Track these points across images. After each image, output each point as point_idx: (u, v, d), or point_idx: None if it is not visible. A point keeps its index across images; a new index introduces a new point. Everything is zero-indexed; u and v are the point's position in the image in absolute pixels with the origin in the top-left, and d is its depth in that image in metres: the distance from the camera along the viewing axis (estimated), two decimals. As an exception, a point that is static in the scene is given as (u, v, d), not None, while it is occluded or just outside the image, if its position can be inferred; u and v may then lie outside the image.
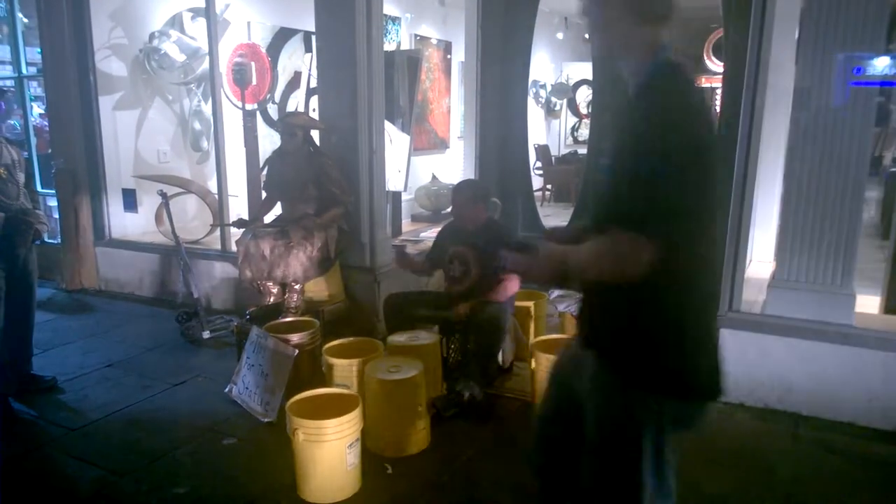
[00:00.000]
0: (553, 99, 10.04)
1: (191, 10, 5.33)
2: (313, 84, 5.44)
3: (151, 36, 5.18)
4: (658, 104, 1.24)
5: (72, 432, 2.96)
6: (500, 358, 3.32)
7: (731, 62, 4.34)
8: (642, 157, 1.19)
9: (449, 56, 7.14)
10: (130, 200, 5.17)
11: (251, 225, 3.82)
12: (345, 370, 2.90)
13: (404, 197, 5.71)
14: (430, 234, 5.34)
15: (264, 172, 3.97)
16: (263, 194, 4.01)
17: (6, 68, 5.76)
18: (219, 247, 4.70)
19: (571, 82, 10.14)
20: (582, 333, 1.47)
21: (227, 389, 3.23)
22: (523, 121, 5.28)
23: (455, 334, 3.32)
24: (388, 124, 4.50)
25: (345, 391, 2.67)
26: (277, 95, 5.72)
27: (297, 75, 5.81)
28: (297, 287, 3.68)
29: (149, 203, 5.08)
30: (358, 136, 3.92)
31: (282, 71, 5.70)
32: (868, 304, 3.28)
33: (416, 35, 6.66)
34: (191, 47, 5.22)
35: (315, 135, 3.96)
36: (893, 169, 6.85)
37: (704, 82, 10.71)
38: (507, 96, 5.22)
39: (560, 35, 9.10)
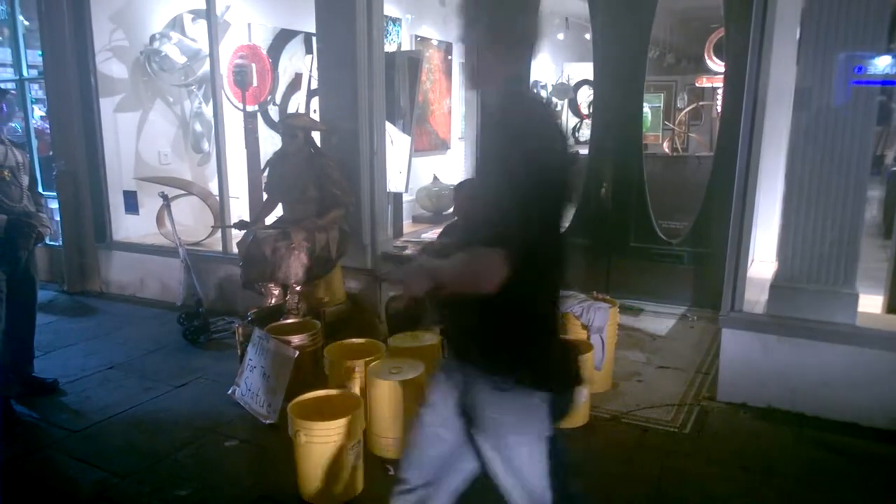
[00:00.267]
0: (554, 99, 10.03)
1: (191, 11, 5.33)
2: (314, 85, 5.44)
3: (152, 38, 5.19)
4: (511, 129, 1.34)
5: (73, 434, 2.96)
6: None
7: (733, 62, 4.36)
8: (495, 177, 1.32)
9: (450, 57, 7.13)
10: (132, 202, 5.17)
11: (252, 227, 3.81)
12: (346, 371, 2.90)
13: (405, 198, 5.71)
14: (432, 234, 5.34)
15: (265, 174, 3.97)
16: (264, 196, 4.01)
17: (7, 71, 5.76)
18: (220, 248, 4.70)
19: (572, 82, 10.14)
20: (454, 347, 1.54)
21: (229, 391, 3.23)
22: (524, 121, 5.26)
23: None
24: (388, 125, 4.49)
25: (346, 393, 2.66)
26: (278, 97, 5.72)
27: (298, 77, 5.81)
28: (298, 288, 3.68)
29: (150, 205, 5.08)
30: (359, 138, 3.91)
31: (282, 72, 5.70)
32: (870, 303, 3.27)
33: (416, 36, 6.65)
34: (191, 49, 5.22)
35: (316, 136, 3.95)
36: (895, 168, 6.84)
37: (706, 82, 10.72)
38: (508, 97, 5.21)
39: (561, 35, 9.10)
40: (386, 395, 2.67)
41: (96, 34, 4.93)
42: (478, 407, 1.46)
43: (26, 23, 5.54)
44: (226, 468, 2.69)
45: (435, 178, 6.52)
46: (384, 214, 4.23)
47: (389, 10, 6.02)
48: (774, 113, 4.11)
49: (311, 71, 5.59)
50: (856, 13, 2.83)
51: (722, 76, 5.39)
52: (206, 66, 4.95)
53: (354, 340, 3.19)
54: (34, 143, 5.61)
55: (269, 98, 5.54)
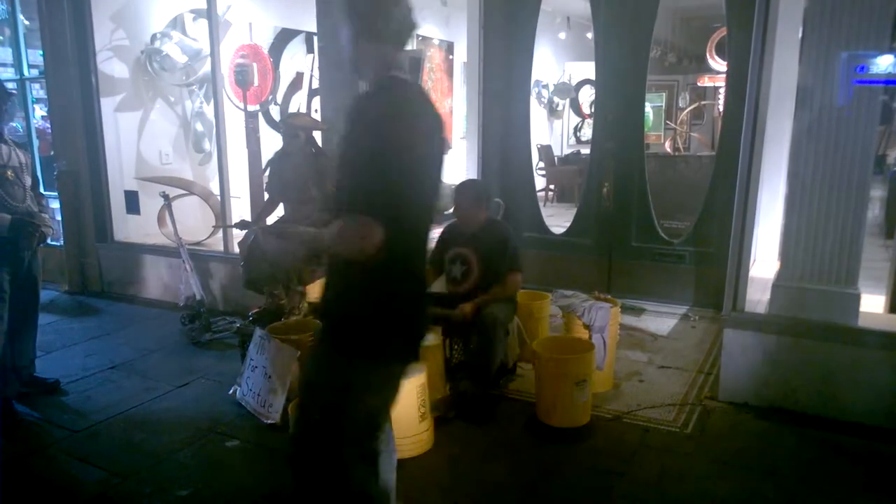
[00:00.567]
0: (556, 99, 10.03)
1: (192, 11, 5.33)
2: (315, 85, 5.44)
3: (153, 37, 5.19)
4: (377, 109, 1.48)
5: (75, 434, 2.96)
6: (503, 358, 3.31)
7: (735, 61, 4.35)
8: (362, 150, 1.45)
9: (451, 56, 7.13)
10: (133, 202, 5.17)
11: (253, 226, 3.81)
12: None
13: (406, 197, 5.70)
14: (432, 234, 5.33)
15: (266, 174, 3.97)
16: (265, 196, 4.01)
17: (8, 70, 5.77)
18: (221, 248, 4.70)
19: (574, 82, 10.13)
20: (319, 306, 1.65)
21: (231, 391, 3.23)
22: (526, 121, 5.26)
23: (458, 335, 3.31)
24: (390, 125, 4.48)
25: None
26: (279, 96, 5.72)
27: (299, 76, 5.81)
28: (299, 288, 3.67)
29: (151, 205, 5.08)
30: (360, 137, 3.90)
31: (284, 72, 5.70)
32: (872, 303, 3.27)
33: (418, 35, 6.65)
34: (192, 49, 5.22)
35: (317, 136, 3.95)
36: (897, 167, 6.82)
37: (708, 81, 10.71)
38: (510, 96, 5.21)
39: (562, 35, 9.09)
40: (387, 395, 2.67)
41: (97, 33, 4.93)
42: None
43: (27, 22, 5.54)
44: (227, 468, 2.69)
45: (436, 177, 6.51)
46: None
47: (390, 9, 6.01)
48: (776, 112, 4.10)
49: (312, 70, 5.59)
50: (858, 12, 2.82)
51: (724, 75, 5.38)
52: (207, 66, 4.95)
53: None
54: (35, 142, 5.62)
55: (270, 98, 5.54)
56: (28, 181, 3.23)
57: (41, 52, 5.25)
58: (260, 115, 5.46)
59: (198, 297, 4.13)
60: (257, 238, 3.65)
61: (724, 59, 8.27)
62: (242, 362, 3.30)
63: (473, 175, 5.25)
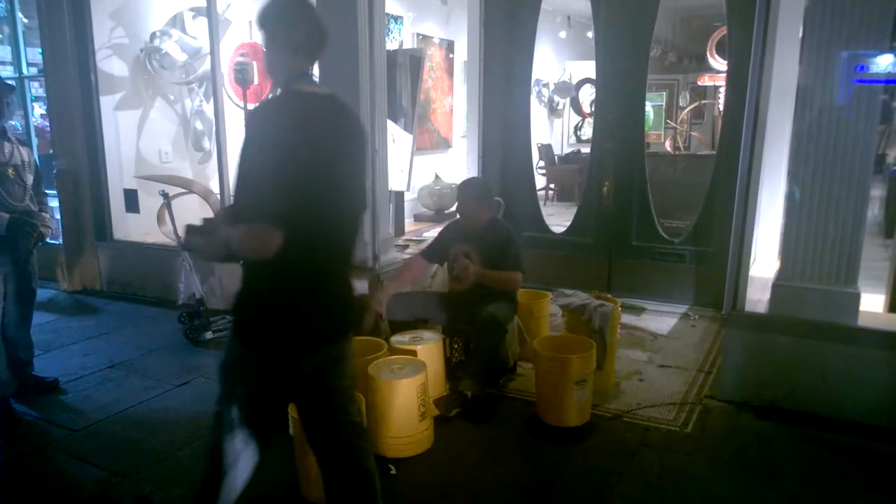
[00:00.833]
0: (556, 98, 10.02)
1: (192, 9, 5.31)
2: (315, 83, 5.41)
3: (152, 35, 5.17)
4: (272, 120, 1.57)
5: (74, 433, 2.96)
6: (503, 357, 3.31)
7: (735, 60, 4.35)
8: (258, 159, 1.51)
9: (451, 55, 7.12)
10: (132, 201, 5.16)
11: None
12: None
13: (407, 196, 5.70)
14: (433, 233, 5.33)
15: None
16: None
17: (7, 69, 5.76)
18: (220, 247, 4.68)
19: (574, 81, 10.12)
20: (239, 304, 1.71)
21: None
22: (526, 120, 5.26)
23: (458, 335, 3.31)
24: (390, 124, 4.48)
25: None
26: (279, 95, 5.70)
27: (299, 75, 5.79)
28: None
29: (151, 203, 5.06)
30: (360, 136, 3.90)
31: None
32: (872, 302, 3.26)
33: (418, 34, 6.64)
34: (192, 47, 5.21)
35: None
36: (897, 167, 6.82)
37: (708, 80, 10.69)
38: (510, 95, 5.21)
39: (563, 33, 9.08)
40: (387, 395, 2.66)
41: (96, 32, 4.92)
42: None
43: (26, 20, 5.53)
44: (226, 467, 2.68)
45: (436, 176, 6.51)
46: (386, 213, 4.22)
47: (391, 7, 6.00)
48: (777, 112, 4.10)
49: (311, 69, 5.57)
50: (859, 12, 2.82)
51: (724, 75, 5.37)
52: (207, 64, 4.93)
53: (355, 339, 3.17)
54: (34, 141, 5.61)
55: (270, 96, 5.52)
56: (30, 179, 3.21)
57: (40, 50, 5.24)
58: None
59: (197, 296, 4.12)
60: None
61: (724, 58, 8.26)
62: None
63: (474, 174, 5.25)
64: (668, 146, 10.48)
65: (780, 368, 3.04)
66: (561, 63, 10.01)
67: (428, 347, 3.01)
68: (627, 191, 4.75)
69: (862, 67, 2.87)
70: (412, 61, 5.22)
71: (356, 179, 1.73)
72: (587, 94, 10.01)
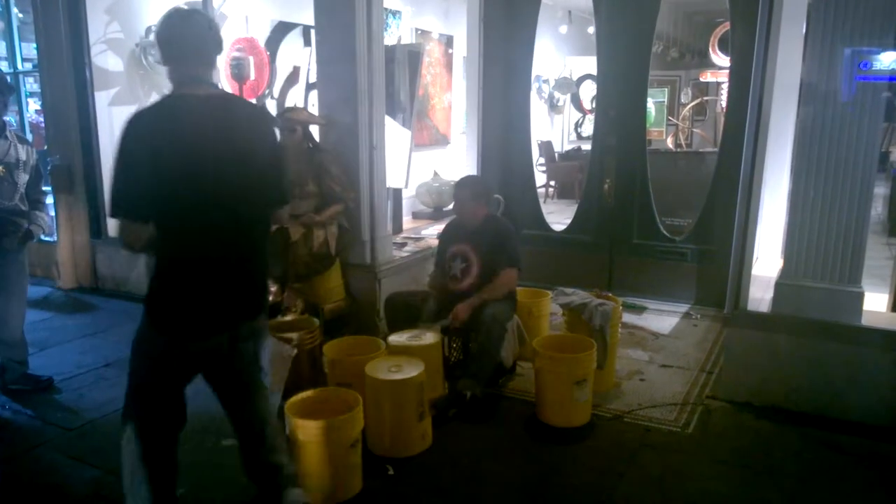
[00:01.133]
0: (556, 94, 9.98)
1: (187, 3, 5.26)
2: (312, 79, 5.38)
3: (148, 30, 5.12)
4: (134, 118, 1.72)
5: (68, 432, 2.93)
6: (502, 357, 3.27)
7: (738, 56, 4.30)
8: (118, 155, 1.71)
9: (450, 50, 7.07)
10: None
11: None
12: (345, 369, 2.86)
13: (405, 194, 5.66)
14: (432, 231, 5.29)
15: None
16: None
17: (1, 64, 5.71)
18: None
19: (575, 77, 10.07)
20: None
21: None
22: (526, 116, 5.22)
23: (456, 334, 3.27)
24: (388, 120, 4.44)
25: (345, 391, 2.62)
26: (276, 91, 5.66)
27: (296, 70, 5.75)
28: (296, 285, 3.63)
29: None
30: (358, 132, 3.86)
31: (280, 66, 5.64)
32: (876, 301, 3.24)
33: (417, 29, 6.59)
34: (189, 42, 5.16)
35: (315, 131, 3.90)
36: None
37: (711, 76, 10.65)
38: (510, 91, 5.17)
39: (563, 29, 9.03)
40: (385, 394, 2.63)
41: (91, 27, 4.87)
42: None
43: (20, 15, 5.48)
44: (223, 467, 2.65)
45: (435, 173, 6.47)
46: (384, 210, 4.19)
47: (389, 2, 5.96)
48: (780, 109, 4.06)
49: (309, 64, 5.53)
50: (862, 8, 2.79)
51: (727, 71, 5.34)
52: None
53: (353, 338, 3.15)
54: (29, 137, 5.56)
55: (266, 92, 5.48)
56: (23, 178, 3.17)
57: (35, 45, 5.19)
58: (257, 109, 5.39)
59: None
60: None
61: (727, 54, 8.22)
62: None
63: (473, 171, 5.21)
64: (669, 143, 10.44)
65: (783, 368, 3.01)
66: (562, 58, 9.96)
67: (426, 347, 2.98)
68: (629, 188, 4.72)
69: (865, 64, 2.85)
70: (411, 57, 5.17)
71: (246, 173, 1.80)
72: (588, 91, 9.97)
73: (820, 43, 2.89)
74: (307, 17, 4.51)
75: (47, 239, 5.43)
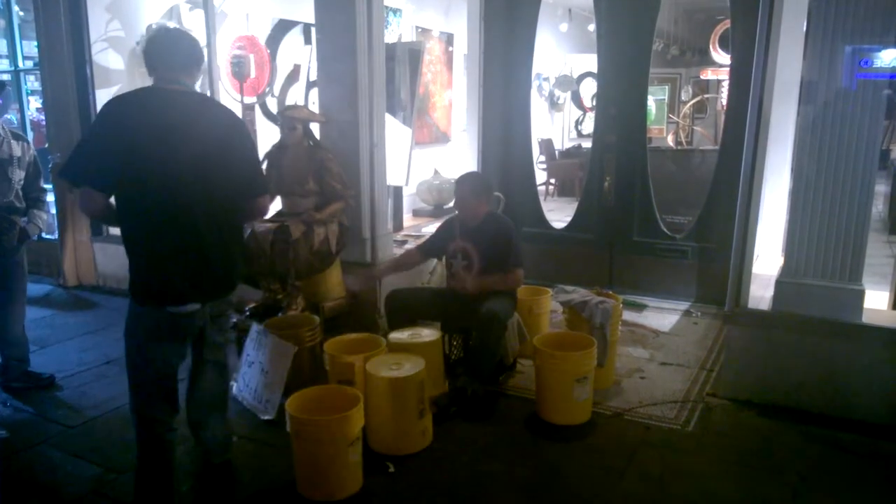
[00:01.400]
0: (557, 91, 9.97)
1: (188, 1, 5.26)
2: (313, 77, 5.38)
3: (148, 28, 5.12)
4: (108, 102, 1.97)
5: (70, 430, 2.94)
6: (503, 353, 3.28)
7: (738, 54, 4.30)
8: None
9: (451, 48, 7.06)
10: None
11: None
12: (346, 367, 2.86)
13: (406, 191, 5.66)
14: (432, 228, 5.29)
15: (263, 167, 3.92)
16: (263, 189, 3.96)
17: (3, 62, 5.71)
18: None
19: (575, 74, 10.06)
20: None
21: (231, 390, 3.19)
22: (526, 114, 5.22)
23: (457, 331, 3.28)
24: (389, 118, 4.44)
25: (346, 388, 2.63)
26: (276, 88, 5.66)
27: (297, 68, 5.75)
28: (297, 283, 3.63)
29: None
30: (359, 130, 3.86)
31: (281, 63, 5.63)
32: (876, 299, 3.24)
33: (417, 27, 6.59)
34: (189, 40, 5.15)
35: (315, 128, 3.90)
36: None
37: (711, 74, 10.62)
38: (510, 89, 5.16)
39: (564, 27, 9.01)
40: (386, 391, 2.64)
41: (92, 24, 4.87)
42: None
43: (21, 13, 5.48)
44: (223, 464, 2.65)
45: (436, 171, 6.47)
46: (384, 208, 4.19)
47: None
48: (781, 106, 4.05)
49: (309, 62, 5.53)
50: (863, 6, 2.79)
51: (727, 68, 5.33)
52: (204, 58, 4.88)
53: (354, 335, 3.15)
54: (30, 135, 5.56)
55: (267, 89, 5.48)
56: (18, 175, 3.14)
57: (36, 43, 5.19)
58: (257, 107, 5.41)
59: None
60: (254, 232, 3.60)
61: (727, 51, 8.20)
62: (239, 357, 3.27)
63: (473, 168, 5.21)
64: (670, 141, 10.43)
65: (783, 366, 3.01)
66: (562, 56, 9.95)
67: (427, 344, 2.98)
68: (629, 186, 4.71)
69: (866, 62, 2.84)
70: (411, 54, 5.17)
71: (212, 163, 1.96)
72: (588, 88, 9.96)
73: (821, 40, 2.89)
74: (308, 14, 4.51)
75: (49, 237, 5.44)
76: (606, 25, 4.68)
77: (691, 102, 10.77)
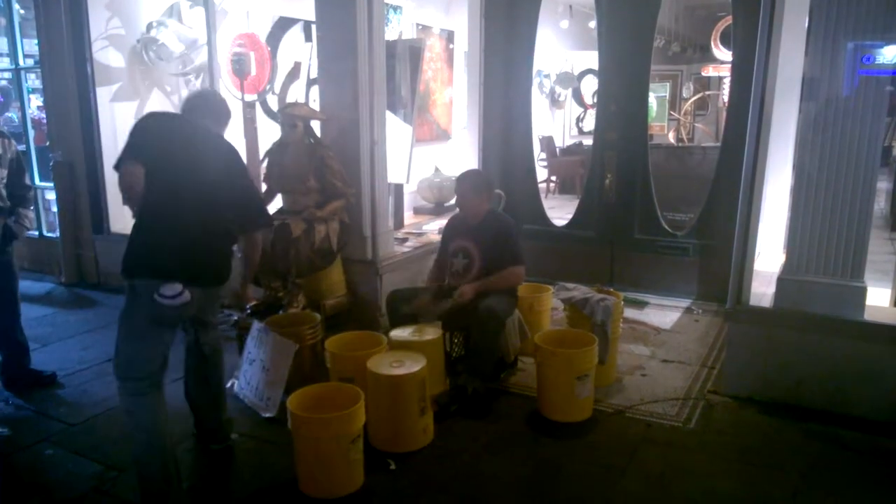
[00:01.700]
0: (558, 88, 9.95)
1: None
2: (313, 74, 5.37)
3: (149, 26, 5.12)
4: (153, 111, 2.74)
5: (71, 427, 2.94)
6: (501, 352, 3.27)
7: (740, 50, 4.29)
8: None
9: (452, 45, 7.04)
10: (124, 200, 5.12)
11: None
12: (347, 365, 2.86)
13: (406, 189, 5.65)
14: (433, 226, 5.29)
15: (264, 164, 3.92)
16: (263, 186, 3.96)
17: (3, 60, 5.71)
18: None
19: (576, 71, 10.04)
20: None
21: (228, 385, 3.20)
22: (527, 111, 5.21)
23: (458, 328, 3.27)
24: (389, 115, 4.43)
25: (347, 386, 2.63)
26: (277, 86, 5.64)
27: (297, 65, 5.73)
28: (298, 281, 3.63)
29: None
30: (359, 128, 3.86)
31: (281, 61, 5.62)
32: (878, 296, 3.22)
33: (418, 24, 6.57)
34: (189, 37, 5.15)
35: (316, 126, 3.90)
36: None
37: (713, 71, 10.59)
38: (511, 86, 5.15)
39: (565, 24, 8.99)
40: (387, 389, 2.64)
41: (93, 22, 4.86)
42: None
43: (22, 11, 5.48)
44: (225, 462, 2.66)
45: (436, 169, 6.46)
46: (385, 206, 4.18)
47: (390, -3, 5.93)
48: (783, 103, 4.04)
49: (310, 60, 5.52)
50: (865, 2, 2.77)
51: (729, 65, 5.31)
52: (204, 55, 4.88)
53: (355, 333, 3.15)
54: (31, 133, 5.57)
55: (267, 87, 5.47)
56: (2, 174, 3.07)
57: (36, 41, 5.19)
58: (257, 104, 5.38)
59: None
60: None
61: (729, 48, 8.18)
62: (240, 355, 3.27)
63: (474, 166, 5.20)
64: (671, 138, 10.42)
65: (785, 363, 3.00)
66: (563, 53, 9.92)
67: (428, 342, 2.98)
68: (630, 183, 4.70)
69: (868, 58, 2.83)
70: (412, 52, 5.15)
71: (217, 185, 2.37)
72: (589, 85, 9.94)
73: (822, 37, 2.87)
74: (308, 12, 4.49)
75: (49, 234, 5.45)
76: (607, 22, 4.66)
77: (693, 99, 10.76)
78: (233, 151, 2.50)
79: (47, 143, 5.36)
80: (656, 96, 9.94)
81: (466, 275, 3.27)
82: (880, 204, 6.62)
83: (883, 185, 6.39)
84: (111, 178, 5.07)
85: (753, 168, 3.03)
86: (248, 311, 3.51)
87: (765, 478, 2.49)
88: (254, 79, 4.92)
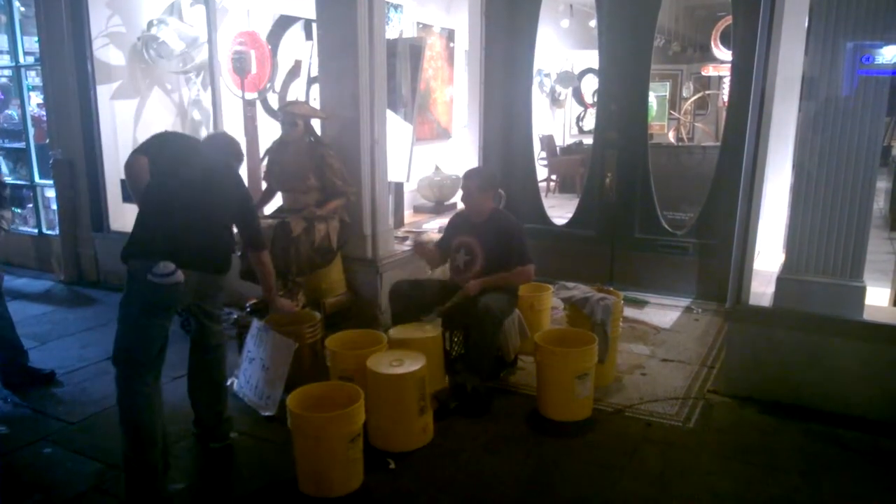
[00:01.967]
0: (558, 88, 9.94)
1: (191, -3, 5.24)
2: (314, 73, 5.36)
3: (149, 24, 5.11)
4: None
5: (70, 426, 2.94)
6: (500, 350, 3.27)
7: (740, 50, 4.29)
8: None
9: (452, 44, 7.04)
10: (129, 191, 5.12)
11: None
12: (347, 363, 2.86)
13: (407, 188, 5.65)
14: (433, 225, 5.29)
15: (265, 163, 3.92)
16: (264, 185, 3.96)
17: (3, 58, 5.70)
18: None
19: (577, 71, 10.03)
20: None
21: (228, 383, 3.19)
22: (528, 110, 5.21)
23: (458, 327, 3.27)
24: (390, 114, 4.43)
25: (346, 384, 2.63)
26: (278, 84, 5.64)
27: (298, 64, 5.73)
28: (298, 279, 3.63)
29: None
30: (360, 126, 3.86)
31: (282, 59, 5.62)
32: (877, 296, 3.23)
33: (418, 23, 6.56)
34: (189, 36, 5.14)
35: (316, 124, 3.89)
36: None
37: (713, 70, 10.59)
38: (512, 85, 5.15)
39: (565, 23, 8.99)
40: (386, 388, 2.64)
41: (93, 20, 4.86)
42: None
43: (22, 9, 5.47)
44: (224, 460, 2.66)
45: (437, 167, 6.46)
46: (385, 204, 4.18)
47: (391, -4, 5.93)
48: (782, 103, 4.04)
49: (310, 58, 5.51)
50: (865, 2, 2.77)
51: (729, 65, 5.31)
52: (205, 53, 4.88)
53: (355, 332, 3.15)
54: (31, 130, 5.56)
55: (268, 85, 5.47)
56: None
57: (37, 39, 5.18)
58: (258, 103, 5.38)
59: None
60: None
61: (728, 48, 8.18)
62: (240, 354, 3.27)
63: (474, 164, 5.20)
64: (671, 137, 10.42)
65: (785, 363, 3.01)
66: (563, 52, 9.92)
67: (427, 340, 2.98)
68: (630, 182, 4.70)
69: (868, 58, 2.83)
70: (412, 50, 5.15)
71: (217, 202, 2.53)
72: (590, 84, 9.93)
73: (822, 37, 2.87)
74: (309, 10, 4.49)
75: (49, 232, 5.45)
76: (608, 21, 4.66)
77: (692, 99, 10.76)
78: (236, 176, 2.69)
79: (47, 141, 5.35)
80: (656, 96, 9.94)
81: (468, 271, 3.27)
82: (879, 203, 6.63)
83: (882, 184, 6.40)
84: (111, 176, 5.08)
85: (753, 167, 3.03)
86: (248, 309, 3.51)
87: (764, 477, 2.49)
88: (254, 77, 4.93)
